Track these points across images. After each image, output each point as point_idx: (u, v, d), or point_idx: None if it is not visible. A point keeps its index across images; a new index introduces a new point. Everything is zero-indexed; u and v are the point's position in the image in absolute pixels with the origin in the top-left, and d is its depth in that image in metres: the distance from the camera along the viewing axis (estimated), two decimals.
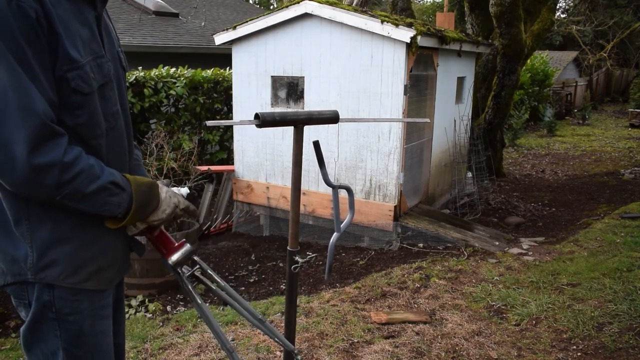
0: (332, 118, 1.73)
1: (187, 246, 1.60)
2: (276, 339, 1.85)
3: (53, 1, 1.15)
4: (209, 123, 1.64)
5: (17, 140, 1.09)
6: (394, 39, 4.62)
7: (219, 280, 1.75)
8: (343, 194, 4.60)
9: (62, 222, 1.26)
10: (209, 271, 1.75)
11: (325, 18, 4.92)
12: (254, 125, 1.56)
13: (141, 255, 1.60)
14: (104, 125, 1.31)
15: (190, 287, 1.64)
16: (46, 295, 1.26)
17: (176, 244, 1.60)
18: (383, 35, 4.65)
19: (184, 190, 1.53)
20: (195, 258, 1.66)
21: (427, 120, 1.99)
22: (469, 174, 6.90)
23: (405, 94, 4.74)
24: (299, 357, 1.84)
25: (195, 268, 1.73)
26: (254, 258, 5.11)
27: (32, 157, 1.10)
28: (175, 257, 1.56)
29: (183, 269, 1.62)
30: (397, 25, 4.55)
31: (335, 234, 1.83)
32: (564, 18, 21.50)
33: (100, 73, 1.27)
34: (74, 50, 1.19)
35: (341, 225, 1.83)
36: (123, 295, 1.63)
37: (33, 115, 1.09)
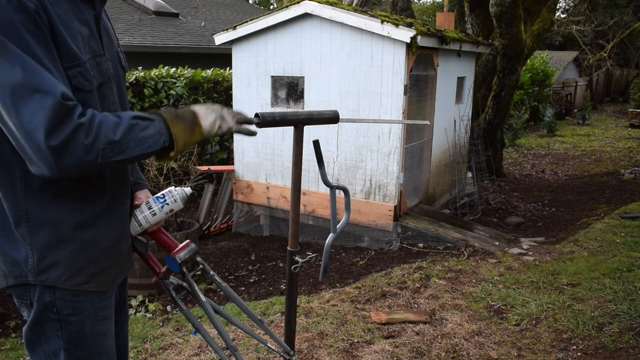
0: (332, 118, 1.73)
1: (193, 245, 1.64)
2: (267, 344, 1.86)
3: (51, 0, 1.15)
4: None
5: (37, 125, 1.06)
6: (394, 39, 4.62)
7: (219, 281, 1.76)
8: (343, 194, 4.59)
9: (63, 224, 1.24)
10: (211, 272, 1.76)
11: (325, 18, 4.92)
12: (254, 125, 1.56)
13: (145, 254, 1.60)
14: None
15: (196, 287, 1.66)
16: (47, 296, 1.26)
17: (180, 245, 1.62)
18: (383, 35, 4.65)
19: (187, 190, 1.52)
20: (198, 259, 1.68)
21: (427, 122, 1.98)
22: (469, 174, 6.89)
23: (405, 94, 4.74)
24: (294, 358, 1.89)
25: (197, 269, 1.75)
26: (254, 258, 5.11)
27: (50, 140, 1.07)
28: (182, 254, 1.59)
29: (171, 279, 1.67)
30: (397, 25, 4.55)
31: (331, 234, 1.83)
32: (564, 18, 21.49)
33: (99, 72, 1.27)
34: (75, 47, 1.18)
35: (337, 226, 1.82)
36: (126, 295, 1.62)
37: (49, 96, 1.07)
